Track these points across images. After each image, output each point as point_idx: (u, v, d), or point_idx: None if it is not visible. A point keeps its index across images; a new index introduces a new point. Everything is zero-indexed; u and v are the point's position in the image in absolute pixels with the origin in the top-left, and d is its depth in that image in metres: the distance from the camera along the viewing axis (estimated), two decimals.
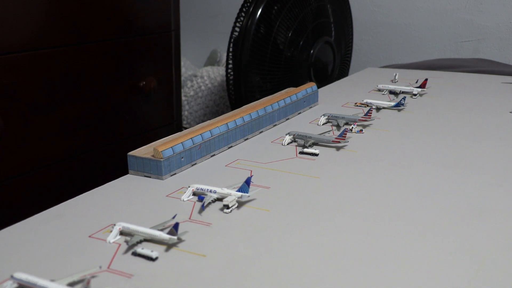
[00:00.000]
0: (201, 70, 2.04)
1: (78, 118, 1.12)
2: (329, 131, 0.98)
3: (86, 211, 0.69)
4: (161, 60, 1.34)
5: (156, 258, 0.56)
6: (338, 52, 1.79)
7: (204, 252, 0.58)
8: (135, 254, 0.57)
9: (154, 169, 0.78)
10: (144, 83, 1.25)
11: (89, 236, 0.62)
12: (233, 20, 1.54)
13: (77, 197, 0.73)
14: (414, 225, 0.64)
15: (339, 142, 0.90)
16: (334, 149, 0.90)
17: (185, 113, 1.95)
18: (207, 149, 0.86)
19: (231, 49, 1.54)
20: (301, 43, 1.62)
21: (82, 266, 0.55)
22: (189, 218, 0.66)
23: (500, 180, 0.77)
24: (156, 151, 0.78)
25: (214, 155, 0.87)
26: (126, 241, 0.60)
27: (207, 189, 0.70)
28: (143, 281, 0.53)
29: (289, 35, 1.59)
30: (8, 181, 1.00)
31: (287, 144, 0.92)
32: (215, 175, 0.80)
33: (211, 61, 2.41)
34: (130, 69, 1.24)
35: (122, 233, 0.61)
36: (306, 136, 0.91)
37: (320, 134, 0.94)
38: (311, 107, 1.16)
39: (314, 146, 0.90)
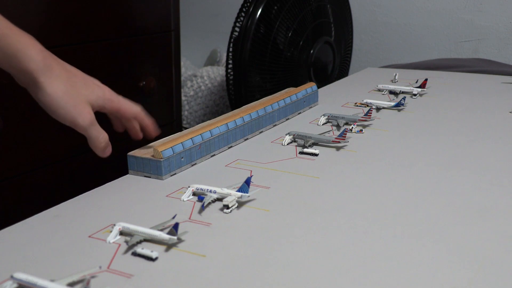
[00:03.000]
0: (201, 70, 2.04)
1: None
2: (329, 131, 0.98)
3: (86, 211, 0.69)
4: (161, 60, 1.34)
5: (156, 258, 0.56)
6: (338, 52, 1.79)
7: (204, 252, 0.58)
8: (135, 254, 0.57)
9: (154, 169, 0.78)
10: (144, 83, 1.25)
11: (89, 236, 0.62)
12: (233, 20, 1.54)
13: (77, 197, 0.73)
14: (414, 225, 0.64)
15: (339, 142, 0.90)
16: (334, 149, 0.90)
17: (185, 113, 1.95)
18: (207, 149, 0.86)
19: (231, 49, 1.54)
20: (301, 43, 1.62)
21: (82, 266, 0.55)
22: (189, 218, 0.66)
23: (500, 180, 0.77)
24: (156, 151, 0.78)
25: (214, 155, 0.87)
26: (126, 241, 0.60)
27: (207, 189, 0.70)
28: (143, 281, 0.53)
29: (289, 35, 1.59)
30: (8, 181, 1.00)
31: (287, 144, 0.92)
32: (215, 175, 0.80)
33: (211, 61, 2.41)
34: (130, 69, 1.24)
35: (122, 233, 0.61)
36: (306, 136, 0.91)
37: (320, 134, 0.94)
38: (311, 107, 1.16)
39: (314, 146, 0.90)
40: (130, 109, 0.78)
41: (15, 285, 0.52)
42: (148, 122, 0.81)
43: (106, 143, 0.75)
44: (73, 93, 0.71)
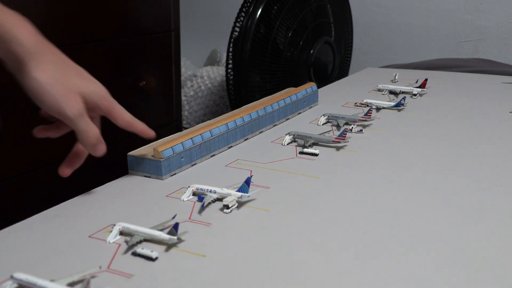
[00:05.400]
0: (201, 70, 2.04)
1: None
2: (329, 131, 0.98)
3: (86, 211, 0.69)
4: (161, 60, 1.34)
5: (156, 258, 0.56)
6: (338, 52, 1.79)
7: (204, 252, 0.58)
8: (135, 254, 0.57)
9: (154, 169, 0.78)
10: (144, 83, 1.25)
11: (89, 236, 0.62)
12: (233, 20, 1.54)
13: (77, 197, 0.73)
14: (414, 225, 0.64)
15: (339, 142, 0.90)
16: (334, 149, 0.90)
17: (185, 113, 1.95)
18: (207, 149, 0.86)
19: (231, 49, 1.54)
20: (301, 43, 1.62)
21: (82, 266, 0.55)
22: (189, 218, 0.66)
23: (500, 180, 0.77)
24: (156, 151, 0.78)
25: (214, 155, 0.87)
26: (126, 241, 0.60)
27: (207, 189, 0.70)
28: (143, 281, 0.53)
29: (289, 35, 1.59)
30: (8, 181, 1.00)
31: (287, 144, 0.92)
32: (215, 175, 0.80)
33: (211, 61, 2.42)
34: (130, 69, 1.24)
35: (122, 233, 0.61)
36: (306, 136, 0.91)
37: (320, 134, 0.94)
38: (311, 107, 1.16)
39: (314, 146, 0.90)
40: (122, 116, 0.72)
41: (15, 285, 0.52)
42: (141, 127, 0.75)
43: (97, 139, 0.68)
44: (63, 81, 0.64)
